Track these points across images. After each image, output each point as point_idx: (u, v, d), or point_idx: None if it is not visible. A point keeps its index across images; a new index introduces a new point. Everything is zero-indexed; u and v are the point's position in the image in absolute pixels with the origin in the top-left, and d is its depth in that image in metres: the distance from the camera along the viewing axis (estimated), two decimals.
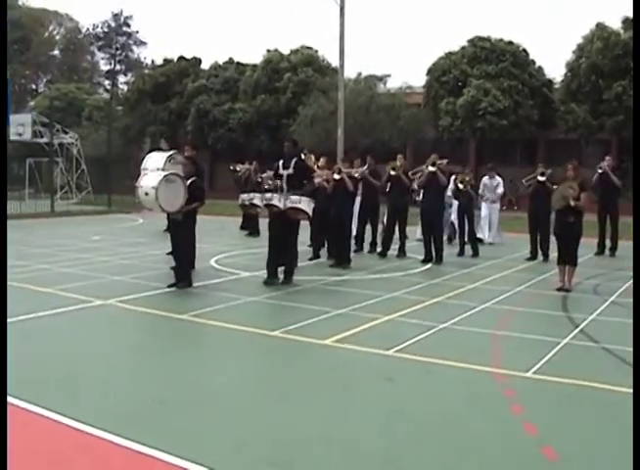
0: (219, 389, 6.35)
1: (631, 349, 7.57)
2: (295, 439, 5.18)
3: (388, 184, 15.29)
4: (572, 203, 10.96)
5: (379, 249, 15.60)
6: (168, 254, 13.65)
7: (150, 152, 12.45)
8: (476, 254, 15.57)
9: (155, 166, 11.45)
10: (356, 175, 14.51)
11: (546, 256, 14.89)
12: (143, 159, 12.16)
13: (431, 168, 14.27)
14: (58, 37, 72.93)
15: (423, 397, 6.20)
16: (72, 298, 10.17)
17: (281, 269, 11.86)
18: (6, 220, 13.21)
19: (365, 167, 15.19)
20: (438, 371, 6.90)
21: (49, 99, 48.31)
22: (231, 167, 21.80)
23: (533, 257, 15.11)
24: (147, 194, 10.80)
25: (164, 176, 10.74)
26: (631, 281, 12.27)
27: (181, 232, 11.21)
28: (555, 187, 11.71)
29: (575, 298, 10.83)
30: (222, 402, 5.97)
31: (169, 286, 11.02)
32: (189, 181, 11.01)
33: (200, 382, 6.57)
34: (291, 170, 11.64)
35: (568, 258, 11.31)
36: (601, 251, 16.13)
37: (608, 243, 16.16)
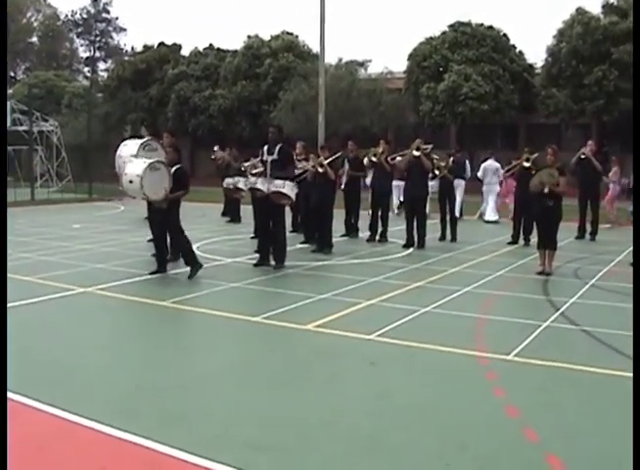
0: (202, 375, 6.35)
1: (611, 331, 7.70)
2: (278, 424, 5.18)
3: (371, 170, 15.36)
4: (547, 190, 11.05)
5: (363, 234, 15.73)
6: (149, 241, 13.63)
7: (125, 140, 12.34)
8: (454, 239, 15.61)
9: (129, 154, 11.38)
10: (337, 155, 14.67)
11: (527, 240, 14.95)
12: (118, 146, 12.10)
13: (415, 153, 14.26)
14: (36, 24, 72.17)
15: (405, 380, 6.23)
16: (53, 286, 10.13)
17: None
18: (6, 213, 12.99)
19: (349, 149, 15.25)
20: (421, 355, 6.93)
21: (28, 86, 47.76)
22: (212, 156, 21.85)
23: (515, 241, 15.18)
24: (131, 182, 10.68)
25: (149, 164, 10.63)
26: (611, 265, 12.42)
27: (168, 220, 11.05)
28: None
29: (556, 281, 10.91)
30: (205, 388, 5.97)
31: (151, 273, 11.02)
32: (173, 169, 10.92)
33: (182, 368, 6.57)
34: (275, 156, 11.68)
35: (547, 243, 11.38)
36: (581, 235, 16.23)
37: (588, 227, 16.26)
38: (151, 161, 10.80)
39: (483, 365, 6.57)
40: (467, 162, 20.85)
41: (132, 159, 11.18)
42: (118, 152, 11.76)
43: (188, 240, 11.24)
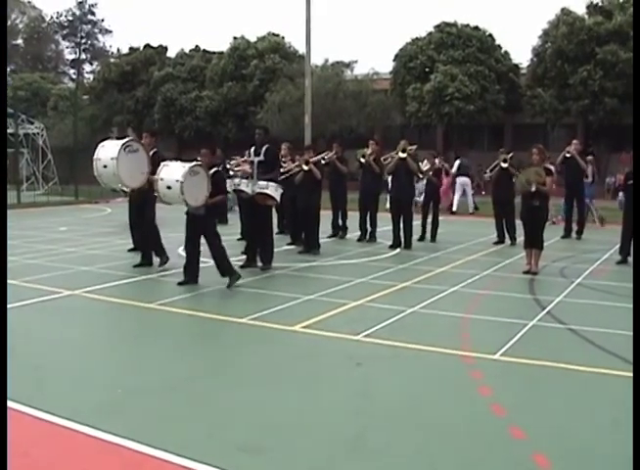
0: (188, 377, 6.33)
1: (598, 329, 7.75)
2: (265, 424, 5.18)
3: (360, 171, 15.41)
4: (533, 188, 11.11)
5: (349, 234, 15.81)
6: (130, 250, 13.44)
7: (102, 141, 11.37)
8: (433, 239, 15.66)
9: (108, 156, 10.65)
10: (324, 160, 14.66)
11: (513, 239, 15.01)
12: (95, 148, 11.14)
13: (401, 155, 14.29)
14: (21, 26, 72.02)
15: (392, 381, 6.23)
16: (39, 289, 10.08)
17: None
18: (6, 214, 12.71)
19: (333, 153, 15.24)
20: (407, 355, 6.93)
21: (13, 89, 47.75)
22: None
23: (500, 240, 15.23)
24: (169, 188, 9.99)
25: (190, 168, 10.02)
26: (597, 263, 12.49)
27: (207, 228, 10.43)
28: (519, 173, 11.86)
29: (542, 280, 10.95)
30: (192, 390, 5.95)
31: (180, 283, 10.43)
32: (211, 172, 10.40)
33: (169, 370, 6.55)
34: (261, 157, 11.70)
35: (534, 242, 11.43)
36: (567, 234, 16.30)
37: (574, 226, 16.34)
38: (191, 164, 10.22)
39: (469, 364, 6.58)
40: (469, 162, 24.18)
41: (167, 163, 10.48)
42: (96, 154, 10.87)
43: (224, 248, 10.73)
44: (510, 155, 14.88)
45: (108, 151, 10.82)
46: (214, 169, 10.61)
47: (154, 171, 10.94)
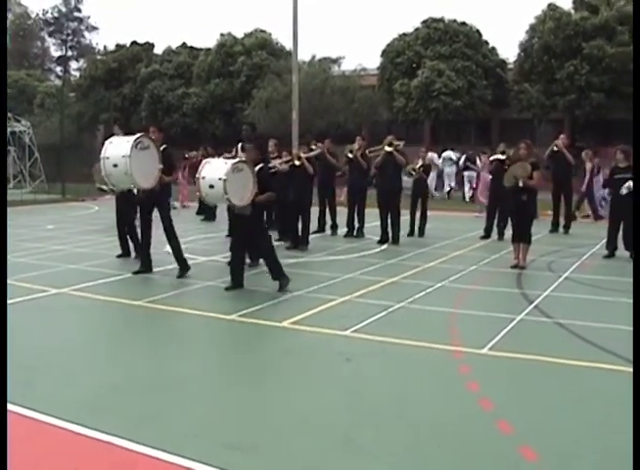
0: (178, 374, 6.33)
1: (585, 323, 7.79)
2: (255, 422, 5.18)
3: (347, 167, 15.42)
4: (521, 183, 11.15)
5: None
6: (118, 256, 12.77)
7: (109, 137, 10.62)
8: (422, 234, 15.70)
9: (119, 154, 9.85)
10: (316, 152, 14.70)
11: (501, 234, 15.04)
12: (103, 143, 10.36)
13: (387, 149, 14.30)
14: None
15: (380, 376, 6.24)
16: (27, 288, 10.02)
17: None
18: (6, 213, 12.41)
19: (324, 146, 15.23)
20: (396, 350, 6.95)
21: None
22: (186, 156, 22.02)
23: (487, 235, 15.25)
24: (212, 186, 9.52)
25: (233, 165, 9.53)
26: (584, 257, 12.56)
27: (254, 229, 9.97)
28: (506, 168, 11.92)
29: (530, 275, 10.99)
30: (181, 388, 5.95)
31: (227, 288, 9.94)
32: (256, 169, 9.96)
33: (158, 368, 6.54)
34: None
35: (521, 236, 11.47)
36: (555, 228, 16.35)
37: (562, 221, 16.40)
38: (234, 161, 9.77)
39: (458, 359, 6.60)
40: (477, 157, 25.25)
41: (209, 160, 10.10)
42: (103, 152, 9.98)
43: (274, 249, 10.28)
44: (511, 151, 14.87)
45: (118, 148, 9.99)
46: (260, 166, 10.18)
47: (165, 170, 10.63)
